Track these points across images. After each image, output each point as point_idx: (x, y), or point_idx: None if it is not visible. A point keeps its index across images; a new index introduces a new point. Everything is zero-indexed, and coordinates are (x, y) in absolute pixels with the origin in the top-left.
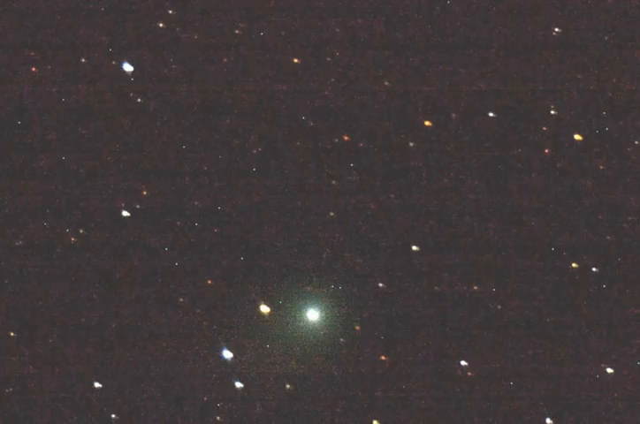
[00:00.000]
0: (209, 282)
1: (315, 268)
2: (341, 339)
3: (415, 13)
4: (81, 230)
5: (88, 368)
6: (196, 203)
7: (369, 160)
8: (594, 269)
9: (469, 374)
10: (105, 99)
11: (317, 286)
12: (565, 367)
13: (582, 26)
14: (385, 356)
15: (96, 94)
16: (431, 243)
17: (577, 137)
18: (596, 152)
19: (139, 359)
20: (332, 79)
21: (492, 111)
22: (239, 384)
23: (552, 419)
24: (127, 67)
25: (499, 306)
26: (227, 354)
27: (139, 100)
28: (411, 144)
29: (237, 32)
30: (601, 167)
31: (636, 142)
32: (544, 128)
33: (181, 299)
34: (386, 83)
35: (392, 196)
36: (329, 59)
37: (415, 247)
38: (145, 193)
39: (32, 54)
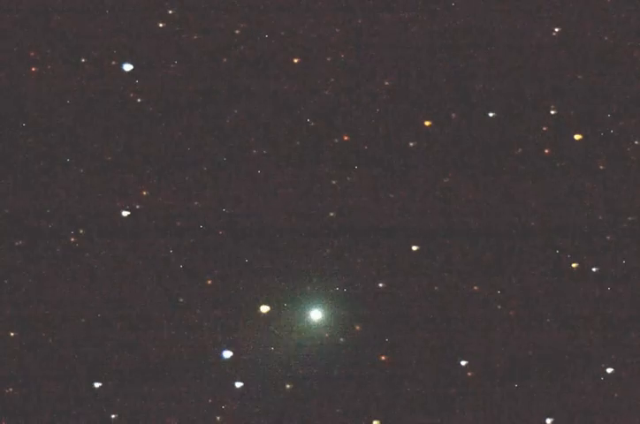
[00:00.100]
0: (209, 282)
1: (315, 268)
2: (341, 339)
3: (415, 13)
4: (81, 231)
5: (88, 368)
6: (196, 203)
7: (369, 160)
8: (594, 269)
9: (469, 374)
10: (105, 99)
11: (318, 286)
12: (565, 367)
13: (582, 26)
14: (385, 356)
15: (96, 94)
16: (431, 243)
17: (577, 137)
18: (596, 152)
19: (139, 359)
20: (332, 79)
21: (492, 111)
22: (239, 384)
23: (552, 419)
24: (127, 67)
25: (499, 306)
26: (227, 354)
27: (139, 100)
28: (411, 144)
29: (237, 32)
30: (601, 167)
31: (636, 142)
32: (544, 128)
33: (181, 299)
34: (386, 83)
35: (392, 196)
36: (329, 59)
37: (414, 247)
38: (145, 193)
39: (32, 54)
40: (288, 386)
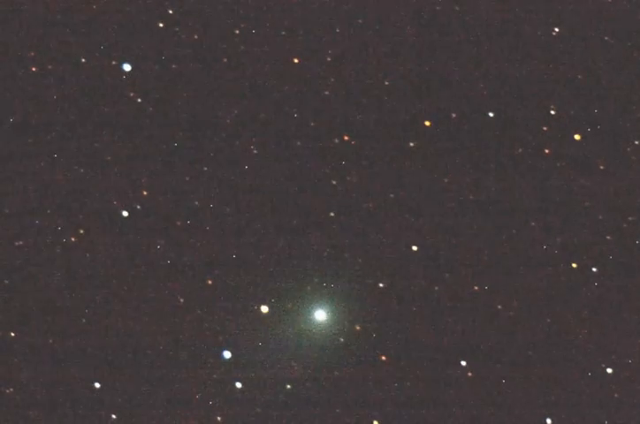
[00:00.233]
0: (209, 282)
1: (315, 268)
2: (341, 339)
3: (415, 13)
4: (81, 231)
5: (88, 368)
6: (196, 203)
7: (369, 160)
8: (594, 269)
9: (469, 374)
10: (105, 99)
11: (317, 286)
12: (565, 367)
13: (582, 26)
14: (385, 356)
15: (96, 94)
16: (431, 243)
17: (577, 137)
18: (596, 152)
19: (139, 359)
20: (332, 79)
21: (492, 111)
22: (239, 384)
23: (552, 419)
24: (127, 67)
25: (499, 306)
26: (227, 354)
27: (139, 100)
28: (411, 144)
29: (237, 32)
30: (601, 167)
31: (636, 142)
32: (544, 128)
33: (181, 299)
34: (386, 83)
35: (392, 196)
36: (329, 59)
37: (414, 247)
38: (145, 193)
39: (32, 54)
40: (288, 386)
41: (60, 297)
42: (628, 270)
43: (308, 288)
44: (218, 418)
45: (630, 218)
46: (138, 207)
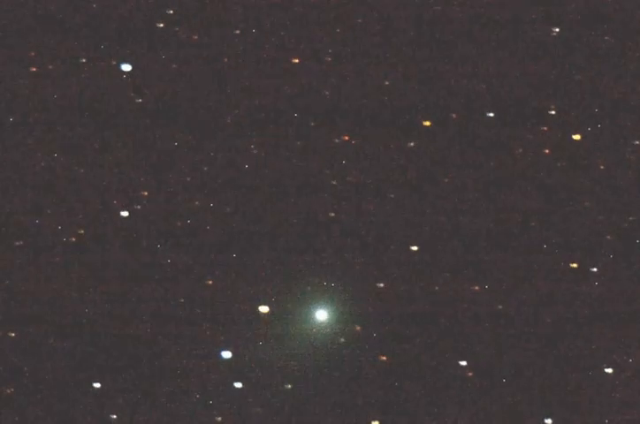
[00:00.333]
0: (209, 282)
1: (315, 268)
2: (341, 339)
3: (415, 13)
4: (81, 231)
5: (88, 368)
6: (196, 203)
7: (369, 160)
8: (594, 269)
9: (469, 374)
10: (105, 99)
11: (317, 286)
12: (565, 367)
13: (582, 26)
14: (385, 356)
15: (96, 94)
16: (431, 243)
17: (577, 137)
18: (596, 152)
19: (139, 359)
20: (332, 79)
21: (492, 111)
22: (238, 384)
23: (552, 419)
24: (127, 67)
25: (499, 306)
26: (227, 354)
27: (139, 100)
28: (411, 144)
29: (237, 32)
30: (601, 167)
31: (636, 142)
32: (544, 128)
33: (181, 299)
34: (386, 83)
35: (392, 196)
36: (329, 59)
37: (414, 247)
38: (145, 193)
39: (32, 54)
40: (288, 386)
41: (60, 297)
42: (628, 270)
43: (308, 288)
44: (218, 418)
45: (630, 218)
46: (138, 207)
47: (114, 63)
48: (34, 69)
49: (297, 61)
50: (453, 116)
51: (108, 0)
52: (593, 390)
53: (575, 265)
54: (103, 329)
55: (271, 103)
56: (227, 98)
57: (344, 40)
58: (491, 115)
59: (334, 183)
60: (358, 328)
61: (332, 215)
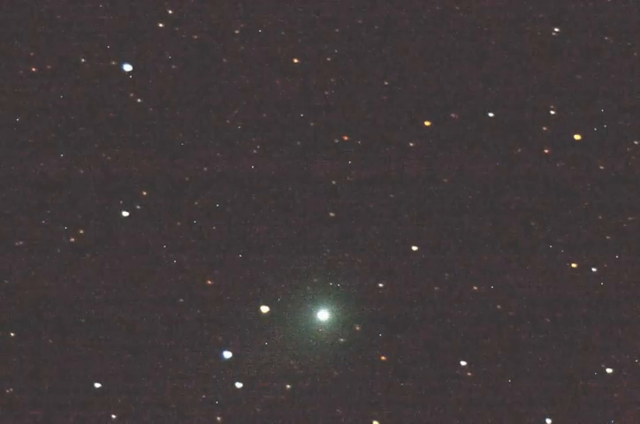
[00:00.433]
0: (209, 282)
1: (315, 268)
2: (341, 339)
3: (414, 13)
4: (81, 231)
5: (88, 368)
6: (196, 203)
7: (369, 160)
8: (594, 269)
9: (469, 374)
10: (105, 99)
11: (317, 286)
12: (565, 367)
13: (582, 26)
14: (385, 356)
15: (96, 94)
16: (431, 243)
17: (577, 137)
18: (596, 152)
19: (139, 359)
20: (332, 79)
21: (492, 111)
22: (239, 384)
23: (552, 419)
24: (127, 67)
25: (499, 306)
26: (227, 354)
27: (139, 100)
28: (411, 144)
29: (237, 32)
30: (601, 167)
31: (636, 142)
32: (544, 128)
33: (181, 299)
34: (386, 83)
35: (392, 196)
36: (329, 59)
37: (414, 247)
38: (145, 193)
39: (32, 54)
40: (288, 386)
41: (60, 297)
42: (628, 270)
43: (308, 288)
44: (218, 418)
45: (630, 218)
46: (138, 207)
47: (114, 63)
48: (34, 69)
49: (297, 61)
50: (453, 116)
51: (108, 0)
52: (593, 390)
53: (574, 265)
54: (103, 329)
55: (271, 103)
56: (227, 98)
57: (344, 40)
58: (491, 115)
59: (334, 183)
60: (358, 328)
61: (332, 215)
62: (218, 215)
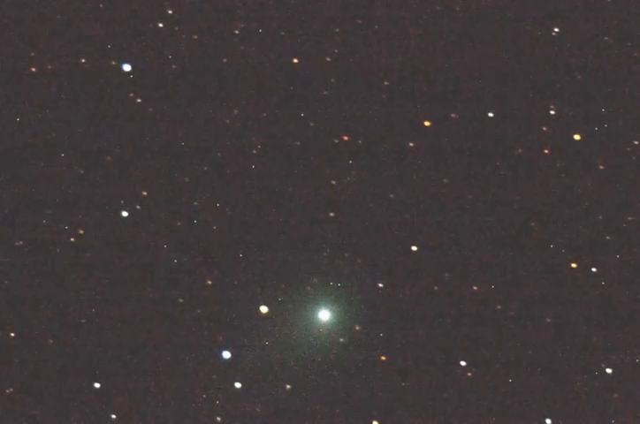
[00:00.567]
0: (209, 282)
1: (315, 268)
2: (341, 339)
3: (415, 13)
4: (81, 231)
5: (88, 368)
6: (196, 203)
7: (369, 160)
8: (594, 269)
9: (469, 374)
10: (105, 99)
11: (317, 286)
12: (565, 367)
13: (582, 26)
14: (385, 356)
15: (96, 94)
16: (431, 243)
17: (577, 137)
18: (596, 152)
19: (138, 359)
20: (332, 79)
21: (492, 111)
22: (239, 384)
23: (552, 419)
24: (127, 67)
25: (499, 306)
26: (227, 354)
27: (139, 100)
28: (411, 144)
29: (237, 32)
30: (601, 167)
31: (636, 142)
32: (544, 128)
33: (181, 299)
34: (386, 83)
35: (392, 196)
36: (329, 59)
37: (414, 247)
38: (145, 193)
39: (32, 54)
40: (288, 386)
41: (60, 297)
42: (628, 270)
43: (308, 288)
44: (218, 418)
45: (630, 218)
46: (138, 207)
47: (114, 63)
48: (34, 69)
49: (297, 61)
50: (453, 116)
51: (108, 0)
52: (593, 390)
53: (574, 265)
54: (103, 329)
55: (271, 103)
56: (227, 98)
57: (344, 40)
58: (491, 115)
59: (334, 183)
60: (358, 328)
61: (332, 215)
62: (218, 215)
